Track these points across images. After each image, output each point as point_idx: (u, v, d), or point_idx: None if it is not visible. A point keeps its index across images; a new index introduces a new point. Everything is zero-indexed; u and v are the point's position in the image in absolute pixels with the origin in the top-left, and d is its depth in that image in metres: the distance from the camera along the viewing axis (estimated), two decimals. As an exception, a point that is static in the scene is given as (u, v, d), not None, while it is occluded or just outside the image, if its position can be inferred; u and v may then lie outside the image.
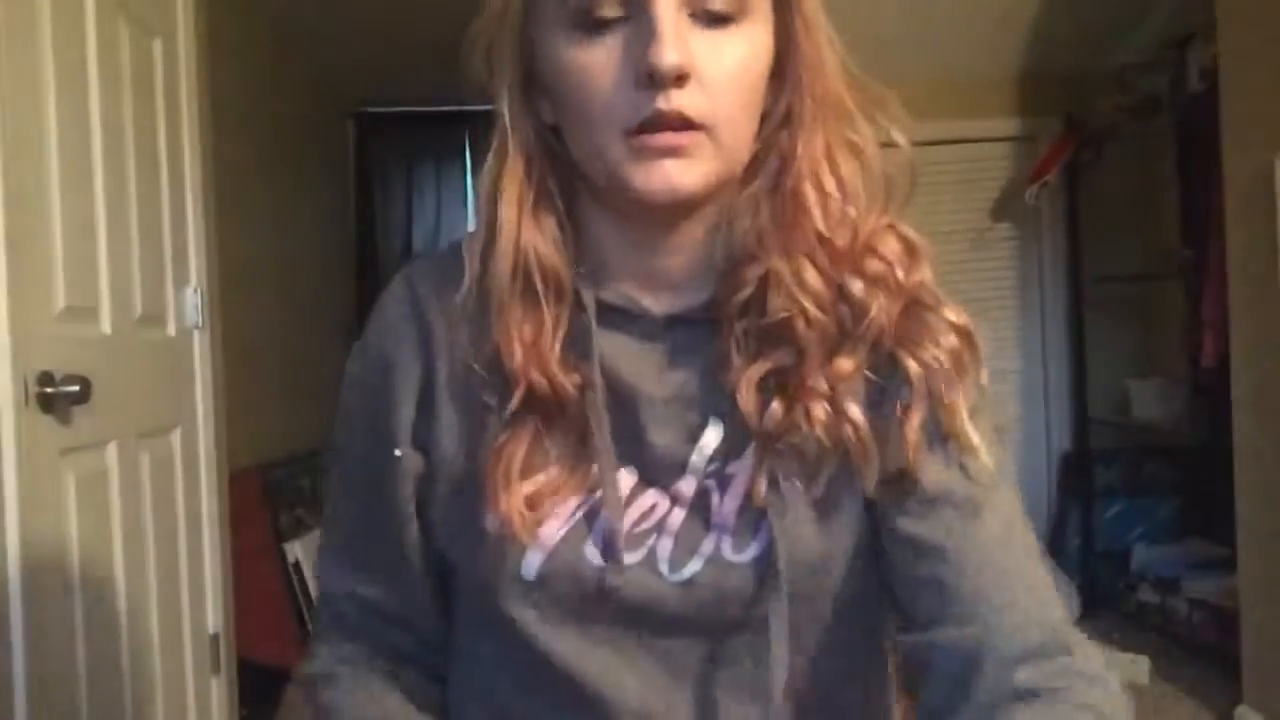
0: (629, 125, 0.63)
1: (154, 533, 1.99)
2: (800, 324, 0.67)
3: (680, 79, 0.62)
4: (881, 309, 0.67)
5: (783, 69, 0.68)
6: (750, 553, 0.67)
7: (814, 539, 0.68)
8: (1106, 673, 0.63)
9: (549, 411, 0.68)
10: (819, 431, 0.66)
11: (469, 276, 0.70)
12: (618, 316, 0.71)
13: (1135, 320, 3.78)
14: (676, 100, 0.62)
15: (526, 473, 0.67)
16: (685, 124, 0.63)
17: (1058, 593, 0.68)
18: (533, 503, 0.67)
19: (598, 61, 0.64)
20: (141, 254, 1.99)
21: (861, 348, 0.68)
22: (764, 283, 0.67)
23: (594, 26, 0.63)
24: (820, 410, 0.66)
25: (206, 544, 2.25)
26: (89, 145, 1.82)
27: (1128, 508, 3.59)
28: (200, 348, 2.25)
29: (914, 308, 0.70)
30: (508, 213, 0.69)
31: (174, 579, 2.09)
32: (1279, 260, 2.32)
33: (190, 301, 2.21)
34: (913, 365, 0.68)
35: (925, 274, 0.71)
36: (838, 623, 0.71)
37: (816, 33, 0.68)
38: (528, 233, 0.69)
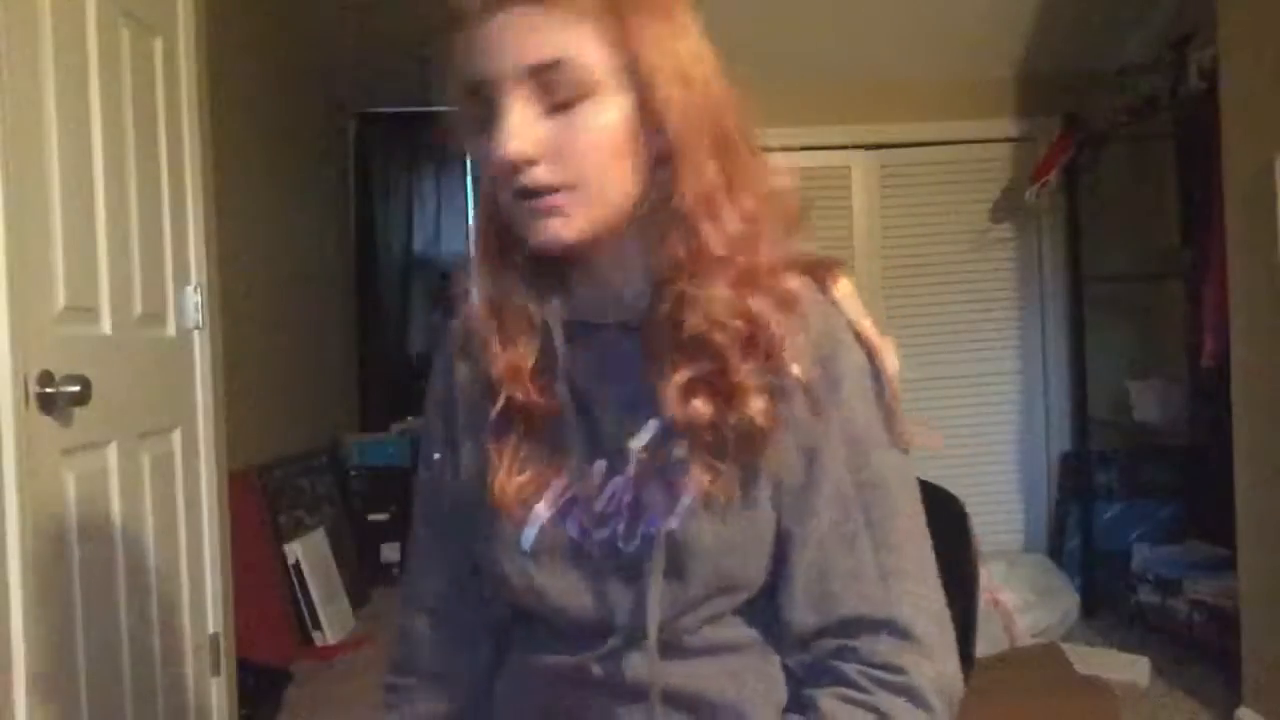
0: (516, 190, 0.78)
1: (154, 533, 1.99)
2: (716, 335, 0.77)
3: (528, 163, 0.76)
4: (780, 324, 0.78)
5: (653, 121, 0.77)
6: (674, 524, 0.79)
7: (721, 514, 0.79)
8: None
9: (530, 418, 0.84)
10: (759, 420, 0.77)
11: (458, 321, 0.89)
12: (578, 329, 0.85)
13: (1135, 320, 3.78)
14: (534, 177, 0.76)
15: (519, 466, 0.84)
16: (551, 189, 0.77)
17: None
18: (525, 490, 0.84)
19: (488, 142, 0.77)
20: (141, 254, 1.99)
21: (760, 355, 0.78)
22: (680, 301, 0.78)
23: (482, 117, 0.78)
24: (757, 402, 0.77)
25: (206, 544, 2.25)
26: (89, 145, 1.82)
27: (1127, 508, 3.59)
28: (200, 348, 2.25)
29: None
30: (479, 263, 0.86)
31: (174, 579, 2.09)
32: (1279, 259, 2.32)
33: (190, 301, 2.21)
34: (801, 373, 0.79)
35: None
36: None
37: (678, 89, 0.77)
38: (495, 278, 0.85)
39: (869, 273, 3.77)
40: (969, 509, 1.12)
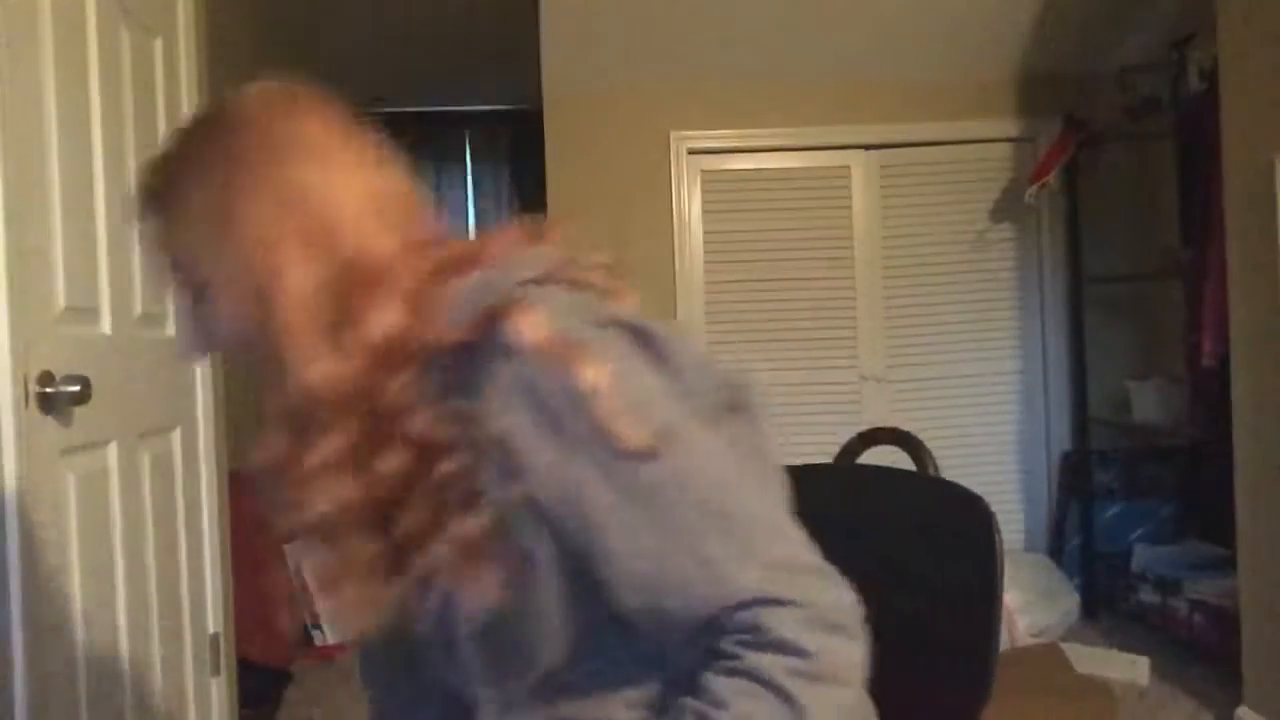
0: None
1: (154, 533, 1.99)
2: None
3: (199, 357, 0.88)
4: (456, 452, 0.79)
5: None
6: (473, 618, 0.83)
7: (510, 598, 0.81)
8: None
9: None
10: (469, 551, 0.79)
11: None
12: None
13: (1135, 320, 3.79)
14: (230, 359, 0.85)
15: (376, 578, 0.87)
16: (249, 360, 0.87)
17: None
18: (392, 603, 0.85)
19: None
20: (141, 254, 1.99)
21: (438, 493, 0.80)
22: None
23: None
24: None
25: (206, 544, 2.25)
26: (89, 145, 1.82)
27: (1127, 508, 3.59)
28: (200, 348, 2.24)
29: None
30: None
31: (174, 579, 2.09)
32: (1279, 260, 2.32)
33: (190, 301, 2.20)
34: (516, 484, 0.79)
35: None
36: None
37: (224, 291, 0.85)
38: None
39: (869, 273, 3.77)
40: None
